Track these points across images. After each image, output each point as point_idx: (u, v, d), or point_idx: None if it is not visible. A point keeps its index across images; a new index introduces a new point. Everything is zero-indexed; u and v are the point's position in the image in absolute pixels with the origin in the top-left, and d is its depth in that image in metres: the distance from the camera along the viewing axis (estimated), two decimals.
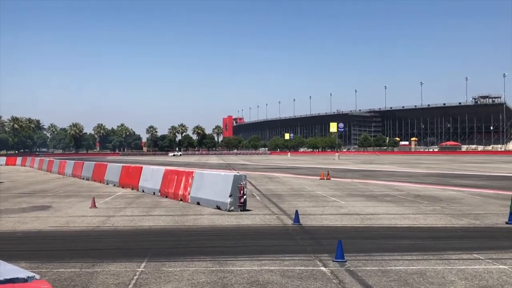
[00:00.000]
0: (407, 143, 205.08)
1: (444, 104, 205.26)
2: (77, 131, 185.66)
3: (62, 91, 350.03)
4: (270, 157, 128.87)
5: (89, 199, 20.32)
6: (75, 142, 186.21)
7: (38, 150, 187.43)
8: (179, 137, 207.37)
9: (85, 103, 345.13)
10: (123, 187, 26.45)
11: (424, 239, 12.00)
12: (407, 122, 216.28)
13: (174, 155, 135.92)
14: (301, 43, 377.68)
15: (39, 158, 61.13)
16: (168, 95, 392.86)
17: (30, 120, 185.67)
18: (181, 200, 19.63)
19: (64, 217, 15.78)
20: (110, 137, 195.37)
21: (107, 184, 29.15)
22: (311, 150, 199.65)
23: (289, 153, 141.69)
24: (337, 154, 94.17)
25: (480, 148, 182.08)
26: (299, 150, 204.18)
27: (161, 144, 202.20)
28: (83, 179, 33.97)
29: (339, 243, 9.72)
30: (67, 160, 43.28)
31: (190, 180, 19.40)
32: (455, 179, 33.84)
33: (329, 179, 32.80)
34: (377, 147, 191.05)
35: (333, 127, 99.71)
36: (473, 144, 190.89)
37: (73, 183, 30.87)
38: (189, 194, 19.17)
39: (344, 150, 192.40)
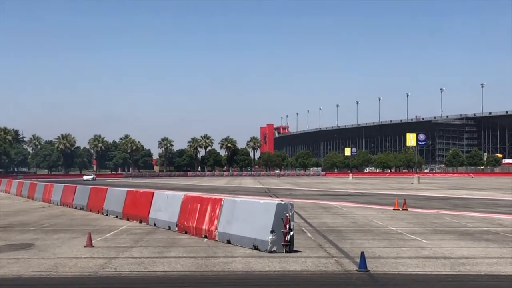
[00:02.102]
0: None
1: None
2: (67, 144, 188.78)
3: (49, 95, 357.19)
4: (324, 179, 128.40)
5: (83, 235, 20.51)
6: (65, 159, 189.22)
7: (16, 170, 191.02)
8: (202, 152, 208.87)
9: (79, 109, 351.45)
10: (128, 219, 26.67)
11: None
12: None
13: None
14: (369, 28, 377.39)
15: (18, 180, 62.30)
16: (187, 99, 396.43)
17: (5, 131, 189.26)
18: (205, 237, 19.66)
19: (51, 259, 15.97)
20: (110, 152, 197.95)
21: (107, 215, 29.43)
22: (381, 170, 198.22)
23: (350, 175, 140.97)
24: (416, 176, 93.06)
25: None
26: (365, 171, 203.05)
27: (178, 162, 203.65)
28: (76, 208, 34.39)
29: None
30: (54, 184, 43.94)
31: (217, 211, 19.44)
32: None
33: (406, 209, 32.46)
34: (471, 167, 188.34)
35: (411, 139, 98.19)
36: None
37: (62, 214, 31.27)
38: (216, 229, 19.20)
39: (425, 171, 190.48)
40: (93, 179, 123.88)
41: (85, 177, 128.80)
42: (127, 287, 12.41)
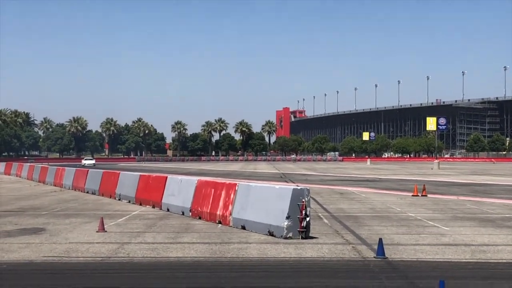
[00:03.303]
0: None
1: None
2: (79, 128, 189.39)
3: (61, 77, 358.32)
4: (342, 164, 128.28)
5: (96, 220, 20.67)
6: (76, 143, 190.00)
7: (27, 153, 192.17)
8: (216, 136, 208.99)
9: (91, 93, 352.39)
10: (140, 204, 26.81)
11: None
12: None
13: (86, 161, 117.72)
14: (387, 9, 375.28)
15: (29, 164, 62.60)
16: (201, 82, 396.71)
17: (16, 113, 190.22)
18: (219, 222, 19.75)
19: (63, 243, 16.11)
20: (123, 136, 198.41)
21: (119, 199, 29.60)
22: (400, 155, 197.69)
23: (368, 160, 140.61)
24: (436, 161, 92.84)
25: None
26: (383, 156, 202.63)
27: (192, 146, 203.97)
28: (88, 192, 34.60)
29: (441, 285, 9.58)
30: (65, 168, 44.18)
31: (232, 196, 19.50)
32: None
33: (426, 195, 32.40)
34: (493, 152, 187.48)
35: (431, 123, 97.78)
36: None
37: (74, 198, 31.48)
38: (230, 214, 19.27)
39: (446, 156, 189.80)
40: (94, 165, 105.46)
41: (85, 162, 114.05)
42: (140, 273, 12.49)
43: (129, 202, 28.11)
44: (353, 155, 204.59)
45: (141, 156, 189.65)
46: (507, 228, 19.29)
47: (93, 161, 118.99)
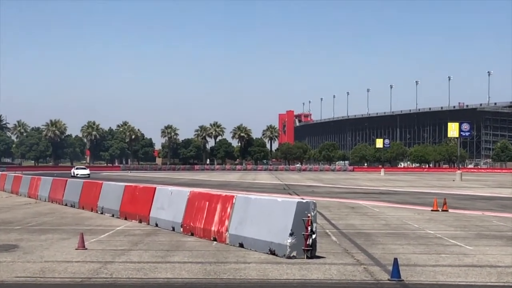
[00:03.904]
0: None
1: None
2: (57, 132, 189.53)
3: (37, 77, 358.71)
4: (352, 175, 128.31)
5: (75, 236, 20.63)
6: (53, 149, 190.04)
7: None
8: (211, 143, 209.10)
9: (71, 93, 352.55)
10: (126, 218, 26.78)
11: None
12: None
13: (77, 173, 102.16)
14: (406, 5, 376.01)
15: (0, 172, 62.60)
16: (195, 82, 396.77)
17: None
18: (214, 239, 19.73)
19: (38, 262, 16.08)
20: (106, 142, 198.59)
21: (101, 213, 29.55)
22: (418, 165, 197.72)
23: (382, 170, 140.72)
24: (458, 172, 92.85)
25: None
26: (399, 166, 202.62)
27: (184, 154, 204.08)
28: (66, 205, 34.55)
29: None
30: (41, 177, 44.16)
31: (229, 210, 19.49)
32: None
33: (446, 210, 32.41)
34: None
35: (453, 129, 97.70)
36: None
37: (51, 211, 31.44)
38: (227, 230, 19.25)
39: (469, 166, 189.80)
40: (88, 176, 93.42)
41: (77, 172, 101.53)
42: None
43: (113, 216, 28.07)
44: (365, 164, 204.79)
45: (127, 165, 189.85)
46: None
47: (87, 171, 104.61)
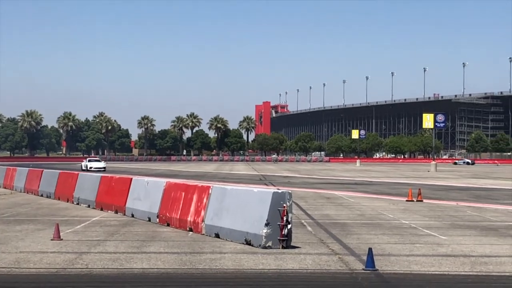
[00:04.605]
0: None
1: None
2: (32, 123, 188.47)
3: (12, 67, 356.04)
4: (328, 165, 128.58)
5: (50, 226, 20.53)
6: (29, 140, 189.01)
7: None
8: (188, 133, 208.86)
9: (47, 84, 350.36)
10: (102, 209, 26.69)
11: None
12: None
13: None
14: None
15: None
16: (172, 73, 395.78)
17: None
18: (190, 230, 19.71)
19: (13, 253, 15.98)
20: (83, 133, 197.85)
21: (77, 204, 29.45)
22: (393, 156, 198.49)
23: (358, 161, 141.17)
24: (433, 162, 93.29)
25: None
26: (374, 156, 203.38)
27: (160, 144, 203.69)
28: (42, 196, 34.40)
29: None
30: (17, 168, 43.91)
31: (205, 200, 19.47)
32: None
33: (421, 201, 32.55)
34: (497, 153, 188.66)
35: (428, 120, 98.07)
36: None
37: (26, 202, 31.27)
38: (203, 221, 19.24)
39: (444, 157, 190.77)
40: (104, 169, 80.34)
41: (90, 164, 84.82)
42: (99, 286, 12.43)
43: (89, 206, 27.99)
44: (341, 155, 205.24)
45: (103, 155, 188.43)
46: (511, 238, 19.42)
47: (102, 164, 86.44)
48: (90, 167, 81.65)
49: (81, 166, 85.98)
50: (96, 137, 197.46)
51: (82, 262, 14.69)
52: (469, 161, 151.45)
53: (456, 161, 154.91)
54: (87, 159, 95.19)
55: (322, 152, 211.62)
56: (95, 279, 12.99)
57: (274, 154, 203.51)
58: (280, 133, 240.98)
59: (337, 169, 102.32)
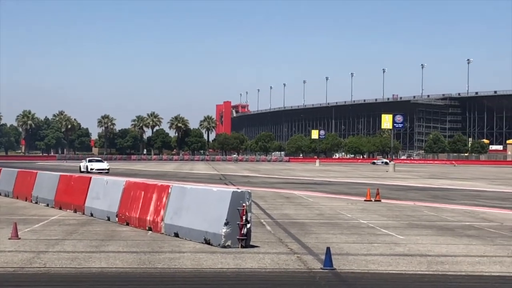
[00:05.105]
0: (500, 147, 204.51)
1: None
2: None
3: None
4: (288, 165, 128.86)
5: (8, 225, 20.31)
6: None
7: None
8: (148, 133, 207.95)
9: (5, 82, 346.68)
10: (60, 208, 26.48)
11: None
12: (501, 116, 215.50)
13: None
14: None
15: None
16: (132, 72, 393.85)
17: None
18: (150, 229, 19.64)
19: None
20: (42, 131, 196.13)
21: (36, 202, 29.20)
22: (352, 156, 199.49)
23: (317, 161, 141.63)
24: (392, 163, 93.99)
25: None
26: (334, 156, 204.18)
27: (121, 144, 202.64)
28: (0, 194, 34.06)
29: None
30: None
31: (164, 199, 19.41)
32: None
33: (379, 201, 32.74)
34: (454, 154, 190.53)
35: (386, 121, 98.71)
36: None
37: None
38: (162, 220, 19.18)
39: (402, 158, 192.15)
40: (107, 171, 70.08)
41: (91, 166, 72.63)
42: (57, 285, 12.34)
43: (48, 205, 27.77)
44: (301, 155, 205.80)
45: (63, 154, 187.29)
46: (467, 238, 19.58)
47: (105, 165, 73.70)
48: (91, 169, 70.47)
49: (80, 167, 74.38)
50: (55, 136, 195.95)
51: (40, 261, 14.58)
52: (387, 161, 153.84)
53: (375, 161, 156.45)
54: (87, 159, 79.49)
55: (282, 152, 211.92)
56: (53, 278, 12.90)
57: (234, 154, 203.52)
58: (240, 133, 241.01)
59: (297, 169, 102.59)
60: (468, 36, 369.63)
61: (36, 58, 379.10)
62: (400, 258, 15.55)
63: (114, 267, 14.03)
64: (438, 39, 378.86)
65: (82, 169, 72.14)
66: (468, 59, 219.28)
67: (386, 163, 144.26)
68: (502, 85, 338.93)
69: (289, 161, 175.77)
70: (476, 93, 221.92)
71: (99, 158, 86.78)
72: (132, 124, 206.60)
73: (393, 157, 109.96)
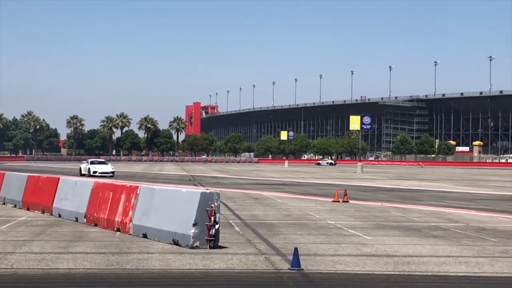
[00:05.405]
0: (467, 149, 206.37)
1: None
2: None
3: None
4: (257, 166, 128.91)
5: None
6: None
7: None
8: (117, 133, 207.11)
9: None
10: (28, 209, 26.28)
11: None
12: (467, 118, 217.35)
13: None
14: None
15: None
16: (101, 72, 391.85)
17: None
18: (118, 230, 19.56)
19: None
20: (10, 132, 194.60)
21: (3, 203, 29.00)
22: (321, 157, 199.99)
23: (286, 162, 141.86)
24: (359, 164, 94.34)
25: None
26: (303, 157, 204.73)
27: (90, 144, 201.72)
28: None
29: None
30: None
31: (133, 200, 19.35)
32: None
33: (347, 201, 32.86)
34: (421, 155, 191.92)
35: (354, 122, 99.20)
36: None
37: None
38: (130, 221, 19.11)
39: (370, 159, 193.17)
40: (112, 174, 60.81)
41: (94, 168, 62.05)
42: (25, 287, 12.27)
43: (15, 206, 27.57)
44: (270, 156, 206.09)
45: (31, 155, 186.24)
46: (434, 238, 19.73)
47: (110, 167, 63.79)
48: (95, 172, 60.68)
49: (80, 169, 65.06)
50: (24, 137, 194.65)
51: (7, 262, 14.47)
52: (332, 161, 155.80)
53: (319, 161, 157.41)
54: (89, 160, 68.47)
55: (252, 153, 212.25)
56: (20, 279, 12.81)
57: (204, 155, 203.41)
58: (210, 134, 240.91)
59: (266, 169, 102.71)
60: (435, 38, 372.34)
61: (4, 57, 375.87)
62: (367, 259, 15.62)
63: (82, 268, 13.96)
64: (406, 41, 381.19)
65: (83, 172, 62.93)
66: (435, 61, 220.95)
67: (331, 164, 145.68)
68: (468, 87, 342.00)
69: (258, 162, 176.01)
70: (443, 95, 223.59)
71: (103, 160, 75.32)
72: (101, 125, 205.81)
73: (361, 158, 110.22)
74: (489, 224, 23.99)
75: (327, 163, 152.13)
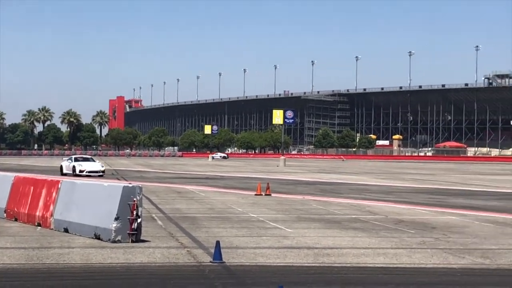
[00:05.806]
0: (387, 142, 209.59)
1: (444, 85, 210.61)
2: None
3: None
4: (181, 160, 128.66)
5: None
6: None
7: None
8: (39, 127, 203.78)
9: None
10: None
11: (407, 285, 12.27)
12: (387, 112, 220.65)
13: None
14: None
15: None
16: (22, 64, 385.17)
17: None
18: (39, 225, 19.28)
19: None
20: None
21: None
22: (244, 151, 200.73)
23: (210, 156, 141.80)
24: (282, 157, 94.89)
25: (495, 152, 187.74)
26: (227, 151, 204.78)
27: (11, 139, 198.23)
28: None
29: None
30: None
31: (54, 194, 19.09)
32: (456, 197, 34.80)
33: (270, 195, 33.00)
34: (343, 149, 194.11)
35: (277, 116, 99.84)
36: (484, 146, 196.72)
37: None
38: (51, 215, 18.86)
39: (293, 153, 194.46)
40: (103, 174, 51.75)
41: (79, 167, 51.16)
42: None
43: None
44: (194, 150, 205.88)
45: None
46: (353, 230, 19.98)
47: (98, 165, 52.99)
48: (81, 171, 50.54)
49: (62, 168, 54.66)
50: None
51: None
52: (225, 155, 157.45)
53: (213, 155, 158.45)
54: (73, 157, 57.19)
55: (175, 147, 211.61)
56: None
57: (127, 149, 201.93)
58: (134, 128, 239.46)
59: (190, 164, 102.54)
60: (357, 33, 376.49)
61: None
62: (288, 251, 15.74)
63: (1, 263, 13.74)
64: (328, 36, 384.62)
65: (65, 171, 53.23)
66: (356, 56, 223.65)
67: (225, 157, 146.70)
68: (389, 82, 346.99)
69: (182, 156, 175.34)
70: (364, 89, 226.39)
71: (89, 156, 63.52)
72: (22, 119, 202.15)
73: (284, 152, 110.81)
74: (407, 216, 24.41)
75: (221, 156, 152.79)
